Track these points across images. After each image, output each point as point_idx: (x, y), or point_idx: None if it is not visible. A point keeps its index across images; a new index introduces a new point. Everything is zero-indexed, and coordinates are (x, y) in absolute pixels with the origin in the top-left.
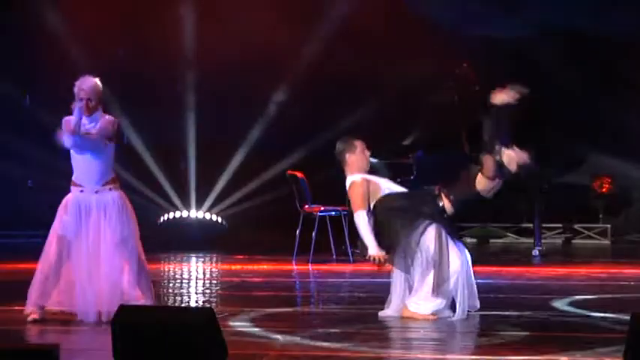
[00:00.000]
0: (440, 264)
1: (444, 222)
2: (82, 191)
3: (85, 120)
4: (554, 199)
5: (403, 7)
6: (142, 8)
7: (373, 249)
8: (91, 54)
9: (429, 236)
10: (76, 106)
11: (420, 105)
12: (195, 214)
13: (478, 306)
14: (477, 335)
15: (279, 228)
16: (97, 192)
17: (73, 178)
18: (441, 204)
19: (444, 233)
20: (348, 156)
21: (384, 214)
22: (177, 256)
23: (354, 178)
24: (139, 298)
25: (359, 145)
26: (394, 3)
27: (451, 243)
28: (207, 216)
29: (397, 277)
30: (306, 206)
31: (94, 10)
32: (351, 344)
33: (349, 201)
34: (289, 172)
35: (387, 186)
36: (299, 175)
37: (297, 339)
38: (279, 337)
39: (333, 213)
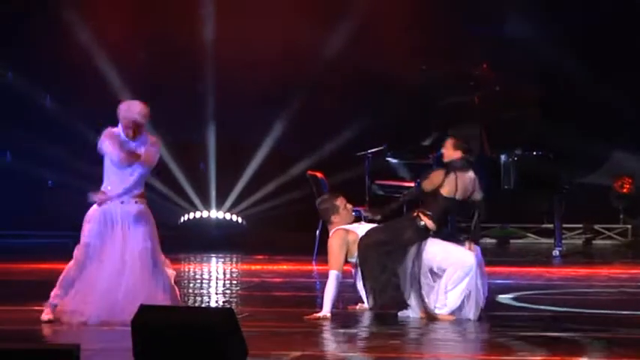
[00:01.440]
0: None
1: (439, 236)
2: (110, 202)
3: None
4: (575, 200)
5: (423, 6)
6: (162, 8)
7: (325, 310)
8: (112, 54)
9: (430, 250)
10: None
11: (439, 105)
12: (215, 214)
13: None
14: (495, 335)
15: (299, 228)
16: (122, 203)
17: (102, 187)
18: (422, 223)
19: (444, 243)
20: (333, 217)
21: (366, 252)
22: (197, 257)
23: (335, 228)
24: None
25: (341, 203)
26: (414, 2)
27: (456, 247)
28: (227, 216)
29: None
30: None
31: (116, 11)
32: (372, 345)
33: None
34: (309, 172)
35: (363, 228)
36: (319, 175)
37: (317, 339)
38: (299, 337)
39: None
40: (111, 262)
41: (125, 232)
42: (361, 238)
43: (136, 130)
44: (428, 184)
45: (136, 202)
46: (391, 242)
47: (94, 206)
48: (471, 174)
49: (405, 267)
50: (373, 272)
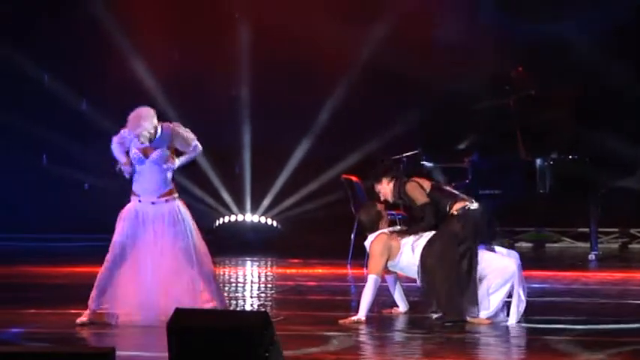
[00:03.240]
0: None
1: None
2: (140, 201)
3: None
4: (611, 203)
5: (456, 9)
6: (196, 11)
7: (361, 314)
8: (147, 58)
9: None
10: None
11: (475, 108)
12: (250, 217)
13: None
14: (533, 340)
15: (334, 232)
16: (153, 203)
17: (133, 187)
18: (473, 206)
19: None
20: (380, 224)
21: (432, 265)
22: (232, 260)
23: (378, 232)
24: (206, 302)
25: (382, 209)
26: (447, 5)
27: (497, 254)
28: (263, 220)
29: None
30: None
31: (150, 15)
32: (407, 349)
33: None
34: (344, 176)
35: (405, 240)
36: (354, 179)
37: (353, 342)
38: (335, 341)
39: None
40: (144, 262)
41: (157, 231)
42: (423, 254)
43: (149, 137)
44: (423, 198)
45: (166, 201)
46: (452, 247)
47: (129, 205)
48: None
49: (468, 273)
50: (442, 284)
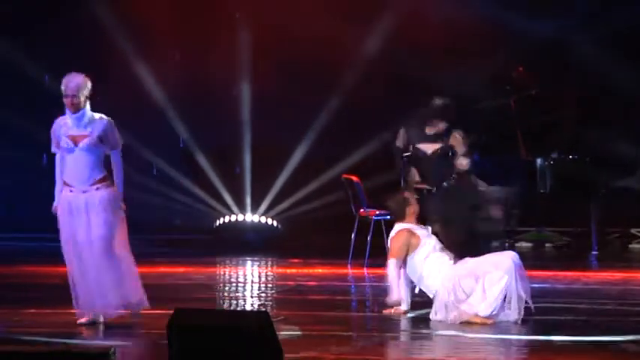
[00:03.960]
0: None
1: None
2: (71, 191)
3: (70, 120)
4: (612, 203)
5: (459, 10)
6: (197, 12)
7: (394, 296)
8: (148, 58)
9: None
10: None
11: (476, 108)
12: (250, 217)
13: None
14: (531, 340)
15: (334, 232)
16: (84, 192)
17: (64, 177)
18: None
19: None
20: (407, 210)
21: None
22: (232, 260)
23: (402, 226)
24: (129, 296)
25: (409, 196)
26: (450, 6)
27: (491, 254)
28: (263, 219)
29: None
30: (362, 210)
31: (150, 15)
32: (407, 350)
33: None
34: (344, 175)
35: (428, 240)
36: (354, 178)
37: (352, 343)
38: (335, 341)
39: (389, 217)
40: (79, 253)
41: (89, 219)
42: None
43: (73, 101)
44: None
45: (97, 189)
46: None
47: (62, 197)
48: None
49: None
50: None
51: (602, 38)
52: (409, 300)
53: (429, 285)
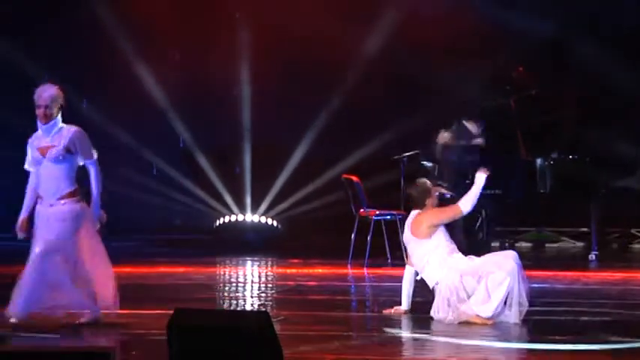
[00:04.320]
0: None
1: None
2: (41, 204)
3: (41, 132)
4: (612, 203)
5: (460, 10)
6: (197, 12)
7: (404, 305)
8: (148, 58)
9: (471, 263)
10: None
11: (476, 109)
12: (250, 217)
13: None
14: (532, 341)
15: (334, 232)
16: (51, 205)
17: (38, 190)
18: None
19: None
20: (427, 200)
21: None
22: (232, 260)
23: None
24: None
25: (431, 185)
26: (450, 7)
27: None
28: (263, 220)
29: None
30: (362, 210)
31: (150, 15)
32: (408, 350)
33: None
34: (344, 175)
35: (443, 232)
36: (354, 178)
37: (353, 343)
38: (335, 341)
39: (389, 217)
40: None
41: (44, 232)
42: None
43: (46, 112)
44: None
45: (63, 204)
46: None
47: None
48: None
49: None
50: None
51: (602, 38)
52: (410, 300)
53: (431, 276)
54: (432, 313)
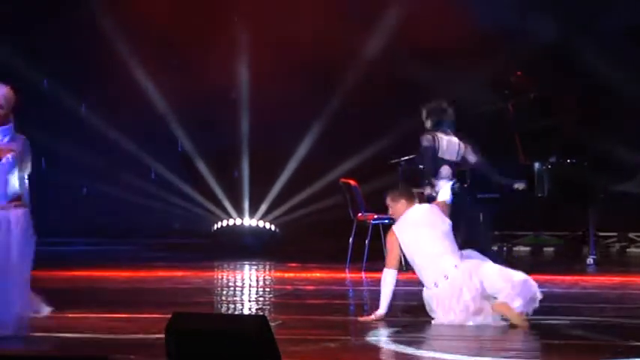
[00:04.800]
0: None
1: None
2: None
3: None
4: (610, 208)
5: (460, 14)
6: (196, 13)
7: (381, 310)
8: (146, 61)
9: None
10: None
11: (474, 113)
12: (248, 221)
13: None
14: (530, 342)
15: (332, 236)
16: (2, 208)
17: None
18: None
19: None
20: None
21: None
22: (230, 264)
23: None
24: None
25: (416, 194)
26: (450, 10)
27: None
28: (261, 224)
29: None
30: (360, 214)
31: (149, 17)
32: (406, 352)
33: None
34: (342, 179)
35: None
36: (352, 182)
37: (350, 346)
38: (332, 344)
39: (387, 221)
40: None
41: (6, 238)
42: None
43: (2, 116)
44: None
45: (15, 206)
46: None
47: None
48: None
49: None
50: None
51: (603, 38)
52: (389, 303)
53: (426, 276)
54: (435, 316)
